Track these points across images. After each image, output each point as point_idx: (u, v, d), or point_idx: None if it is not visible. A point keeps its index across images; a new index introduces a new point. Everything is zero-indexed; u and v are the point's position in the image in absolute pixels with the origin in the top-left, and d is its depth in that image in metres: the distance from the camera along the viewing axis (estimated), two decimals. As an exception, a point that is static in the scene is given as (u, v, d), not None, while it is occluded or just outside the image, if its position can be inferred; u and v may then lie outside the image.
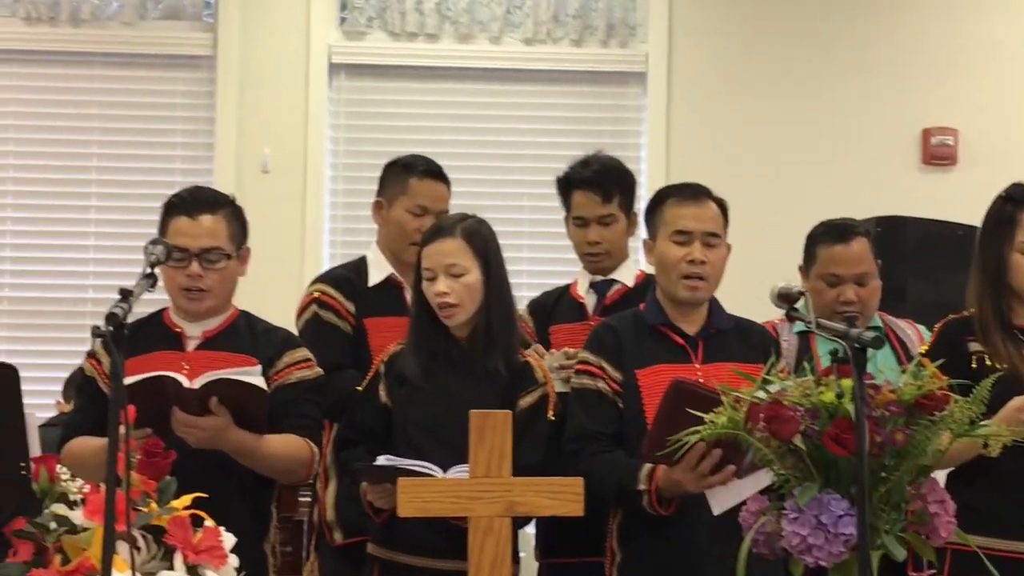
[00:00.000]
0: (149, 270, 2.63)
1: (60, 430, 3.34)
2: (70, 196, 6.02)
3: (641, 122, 6.08)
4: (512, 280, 3.38)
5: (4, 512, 2.38)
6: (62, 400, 5.17)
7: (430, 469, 2.98)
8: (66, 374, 5.16)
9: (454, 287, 3.26)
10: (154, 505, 2.42)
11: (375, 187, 4.03)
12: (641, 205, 3.75)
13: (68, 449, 3.19)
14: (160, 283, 2.73)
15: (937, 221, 5.28)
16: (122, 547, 2.27)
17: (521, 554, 3.47)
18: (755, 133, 6.04)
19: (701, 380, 3.06)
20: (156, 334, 3.29)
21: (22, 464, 2.44)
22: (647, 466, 3.07)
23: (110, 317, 2.34)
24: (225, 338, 3.30)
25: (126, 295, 2.43)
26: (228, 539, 2.45)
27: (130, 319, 2.42)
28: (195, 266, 3.23)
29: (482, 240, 3.31)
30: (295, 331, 3.66)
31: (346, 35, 6.08)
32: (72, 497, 2.45)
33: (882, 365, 3.34)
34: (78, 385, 3.44)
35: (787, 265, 3.85)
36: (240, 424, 3.07)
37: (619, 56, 6.10)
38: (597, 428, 3.22)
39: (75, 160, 6.02)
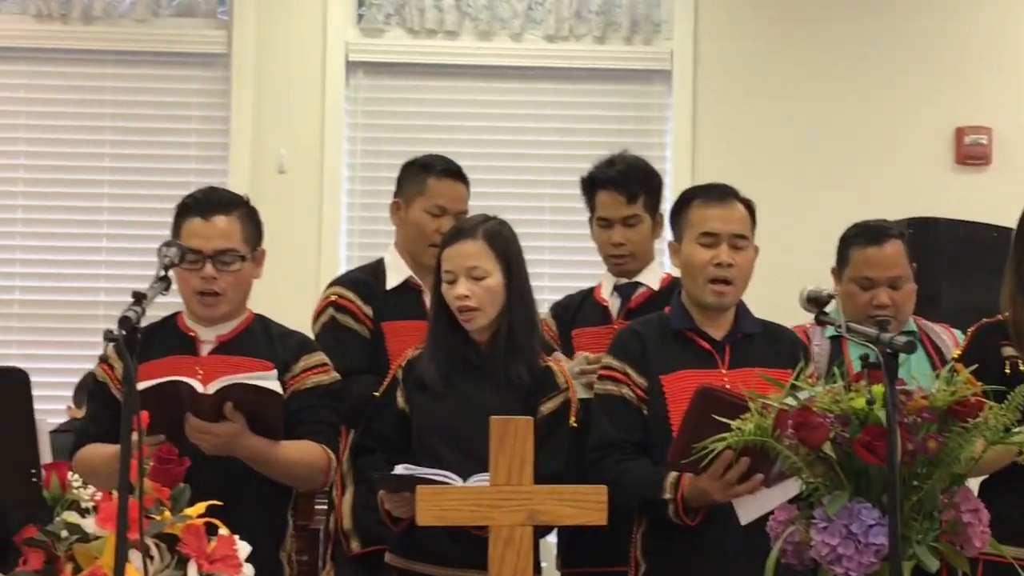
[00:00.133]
0: (163, 273, 2.61)
1: (72, 436, 3.32)
2: (82, 197, 6.00)
3: (666, 121, 6.03)
4: (534, 283, 3.34)
5: (15, 520, 2.38)
6: (73, 406, 5.17)
7: (449, 478, 2.95)
8: (78, 379, 5.16)
9: (475, 290, 3.21)
10: (167, 513, 2.42)
11: (393, 188, 3.99)
12: (666, 206, 3.70)
13: (80, 456, 3.16)
14: (174, 286, 2.71)
15: (970, 223, 5.24)
16: (135, 556, 2.27)
17: (543, 564, 3.44)
18: (783, 133, 5.98)
19: (728, 386, 3.04)
20: (170, 338, 3.27)
21: (33, 471, 2.45)
22: (673, 475, 3.05)
23: (123, 321, 2.32)
24: (240, 342, 3.27)
25: (139, 298, 2.41)
26: (243, 548, 2.44)
27: (143, 323, 2.40)
28: (209, 268, 3.20)
29: (504, 242, 3.26)
30: (311, 335, 3.63)
31: (364, 32, 6.05)
32: (84, 505, 2.45)
33: (916, 371, 3.33)
34: (90, 390, 3.42)
35: (818, 268, 3.78)
36: (255, 430, 3.05)
37: (643, 53, 6.05)
38: (621, 436, 3.19)
39: (87, 160, 6.00)
